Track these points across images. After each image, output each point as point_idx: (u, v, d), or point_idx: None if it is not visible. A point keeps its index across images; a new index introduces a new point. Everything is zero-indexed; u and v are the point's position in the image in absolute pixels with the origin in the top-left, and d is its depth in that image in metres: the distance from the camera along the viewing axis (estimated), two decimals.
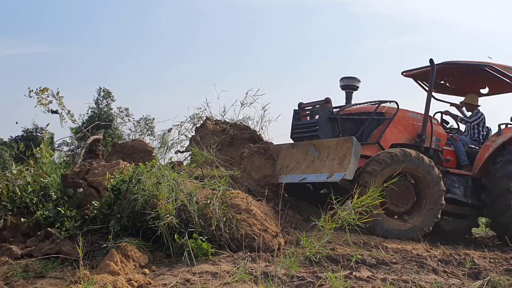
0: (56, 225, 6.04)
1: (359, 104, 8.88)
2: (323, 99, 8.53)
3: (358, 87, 9.11)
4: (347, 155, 7.22)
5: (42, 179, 6.92)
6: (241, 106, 9.52)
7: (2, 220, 6.21)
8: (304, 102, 9.07)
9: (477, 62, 9.21)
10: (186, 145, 9.73)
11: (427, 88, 9.30)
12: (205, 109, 9.82)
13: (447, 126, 10.33)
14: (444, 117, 10.33)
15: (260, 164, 8.36)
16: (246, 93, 9.44)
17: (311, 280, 4.89)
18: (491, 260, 6.62)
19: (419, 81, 10.31)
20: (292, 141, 8.98)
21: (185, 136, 10.01)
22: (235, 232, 5.93)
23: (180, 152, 9.73)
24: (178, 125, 10.05)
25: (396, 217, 8.12)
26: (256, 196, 7.39)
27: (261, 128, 9.48)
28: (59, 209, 6.25)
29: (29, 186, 6.70)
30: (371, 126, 8.56)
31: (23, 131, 34.13)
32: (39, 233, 6.06)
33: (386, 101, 8.62)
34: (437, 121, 9.55)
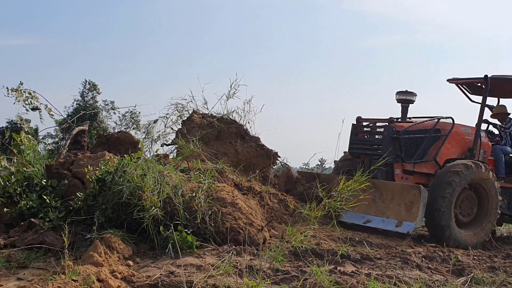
0: (40, 216, 5.97)
1: (414, 118, 9.12)
2: (388, 118, 8.65)
3: (414, 101, 9.13)
4: (415, 203, 7.36)
5: (25, 169, 6.83)
6: (227, 100, 9.48)
7: None
8: (362, 117, 9.10)
9: None
10: (172, 139, 9.66)
11: (469, 96, 9.94)
12: (191, 101, 9.74)
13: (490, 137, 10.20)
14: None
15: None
16: (231, 86, 9.41)
17: (296, 274, 4.90)
18: (475, 257, 6.69)
19: (463, 89, 10.21)
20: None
21: (171, 129, 9.93)
22: (220, 226, 5.92)
23: (166, 145, 9.66)
24: (164, 116, 9.95)
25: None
26: (242, 190, 7.38)
27: (248, 122, 9.45)
28: (45, 197, 6.19)
29: (12, 176, 6.61)
30: (428, 143, 8.60)
31: (7, 122, 33.76)
32: (22, 223, 5.98)
33: (443, 117, 8.72)
34: (485, 133, 9.60)
